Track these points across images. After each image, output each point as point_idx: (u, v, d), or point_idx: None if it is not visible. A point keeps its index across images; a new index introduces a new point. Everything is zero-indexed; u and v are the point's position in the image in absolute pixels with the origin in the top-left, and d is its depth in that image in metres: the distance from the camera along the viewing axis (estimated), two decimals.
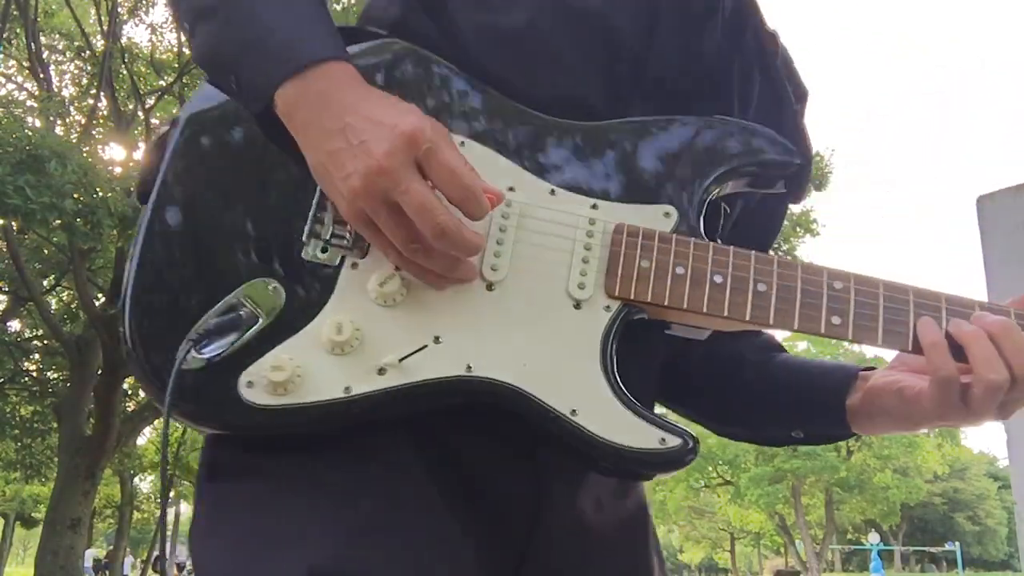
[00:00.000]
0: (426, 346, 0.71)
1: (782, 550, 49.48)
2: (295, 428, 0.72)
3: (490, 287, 0.73)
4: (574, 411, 0.71)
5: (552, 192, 0.77)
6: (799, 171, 0.85)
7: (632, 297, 0.74)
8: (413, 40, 0.82)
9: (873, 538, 36.57)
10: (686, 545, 59.82)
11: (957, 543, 40.11)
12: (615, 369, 0.73)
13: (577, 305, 0.74)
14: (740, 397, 0.99)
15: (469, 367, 0.71)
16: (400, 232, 0.68)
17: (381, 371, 0.70)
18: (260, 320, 0.71)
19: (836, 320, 0.75)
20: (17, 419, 15.22)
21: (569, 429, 0.71)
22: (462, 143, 0.76)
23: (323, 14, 0.76)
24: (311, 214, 0.74)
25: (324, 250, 0.73)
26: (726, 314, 0.74)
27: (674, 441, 0.71)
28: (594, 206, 0.77)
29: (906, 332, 0.75)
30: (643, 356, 0.83)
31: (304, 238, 0.73)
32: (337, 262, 0.73)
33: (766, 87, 0.94)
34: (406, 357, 0.70)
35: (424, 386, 0.71)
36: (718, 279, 0.75)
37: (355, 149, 0.67)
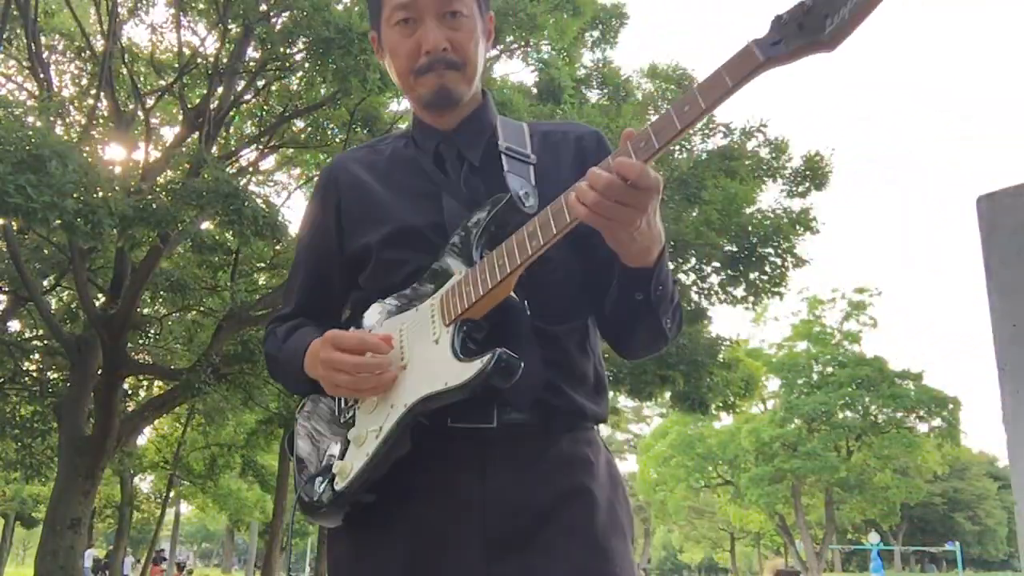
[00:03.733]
0: (388, 413, 1.25)
1: (782, 550, 49.46)
2: (360, 488, 1.26)
3: (404, 367, 1.27)
4: (445, 383, 1.18)
5: (416, 310, 1.31)
6: (510, 203, 1.28)
7: (454, 316, 1.23)
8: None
9: (873, 538, 36.57)
10: (686, 545, 59.82)
11: (957, 543, 40.12)
12: (460, 351, 1.19)
13: (436, 341, 1.24)
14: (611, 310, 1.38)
15: (405, 404, 1.23)
16: (345, 380, 1.27)
17: (376, 436, 1.25)
18: (335, 459, 1.32)
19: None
20: (17, 419, 15.22)
21: (449, 394, 1.17)
22: (379, 325, 1.37)
23: (306, 332, 1.41)
24: (337, 404, 1.39)
25: (347, 412, 1.35)
26: (491, 282, 1.19)
27: (486, 357, 1.14)
28: (432, 299, 1.30)
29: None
30: (518, 344, 1.21)
31: (339, 413, 1.38)
32: (352, 413, 1.34)
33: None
34: (383, 425, 1.25)
35: (396, 428, 1.22)
36: (484, 275, 1.21)
37: (323, 367, 1.30)
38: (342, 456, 1.29)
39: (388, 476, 1.24)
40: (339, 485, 1.25)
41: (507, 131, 1.43)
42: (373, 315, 1.38)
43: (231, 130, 13.76)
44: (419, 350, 1.25)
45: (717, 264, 13.50)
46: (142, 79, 13.20)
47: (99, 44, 12.54)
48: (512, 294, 1.23)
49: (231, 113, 12.52)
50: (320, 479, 1.30)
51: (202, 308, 13.66)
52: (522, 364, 1.13)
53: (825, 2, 0.94)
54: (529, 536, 1.21)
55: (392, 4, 1.38)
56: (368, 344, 1.25)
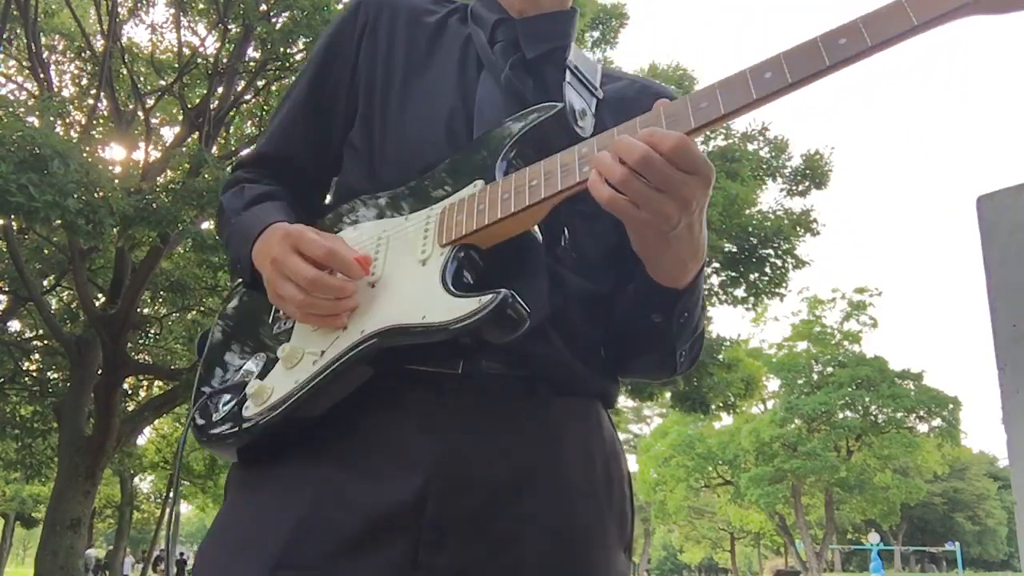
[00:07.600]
0: (338, 336, 0.95)
1: (782, 550, 49.45)
2: (277, 423, 0.95)
3: (372, 285, 0.97)
4: (424, 316, 0.88)
5: (406, 218, 1.02)
6: (561, 114, 1.01)
7: (454, 238, 0.94)
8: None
9: (873, 538, 36.54)
10: (686, 545, 59.77)
11: (957, 543, 40.09)
12: (451, 282, 0.90)
13: (423, 263, 0.95)
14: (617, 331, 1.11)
15: (362, 331, 0.92)
16: (293, 294, 0.95)
17: (315, 362, 0.95)
18: (253, 375, 1.03)
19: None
20: (17, 419, 15.22)
21: (425, 332, 0.88)
22: (353, 226, 1.08)
23: (276, 208, 1.09)
24: (273, 311, 1.08)
25: (284, 323, 1.05)
26: (513, 209, 0.91)
27: (487, 298, 0.84)
28: (431, 210, 1.01)
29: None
30: (527, 276, 0.96)
31: (272, 322, 1.07)
32: (291, 325, 1.03)
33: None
34: (326, 349, 0.95)
35: (344, 357, 0.92)
36: (506, 196, 0.93)
37: (272, 266, 0.99)
38: (263, 375, 0.99)
39: (311, 421, 0.95)
40: (248, 410, 0.95)
41: (580, 57, 1.18)
42: (354, 213, 1.09)
43: (231, 130, 13.75)
44: (399, 269, 0.96)
45: (717, 265, 13.49)
46: (142, 79, 13.20)
47: (99, 44, 12.54)
48: (535, 229, 0.96)
49: (231, 113, 12.51)
50: (227, 396, 1.00)
51: (202, 308, 13.65)
52: (529, 319, 0.85)
53: None
54: (478, 521, 0.91)
55: None
56: (338, 259, 0.94)
